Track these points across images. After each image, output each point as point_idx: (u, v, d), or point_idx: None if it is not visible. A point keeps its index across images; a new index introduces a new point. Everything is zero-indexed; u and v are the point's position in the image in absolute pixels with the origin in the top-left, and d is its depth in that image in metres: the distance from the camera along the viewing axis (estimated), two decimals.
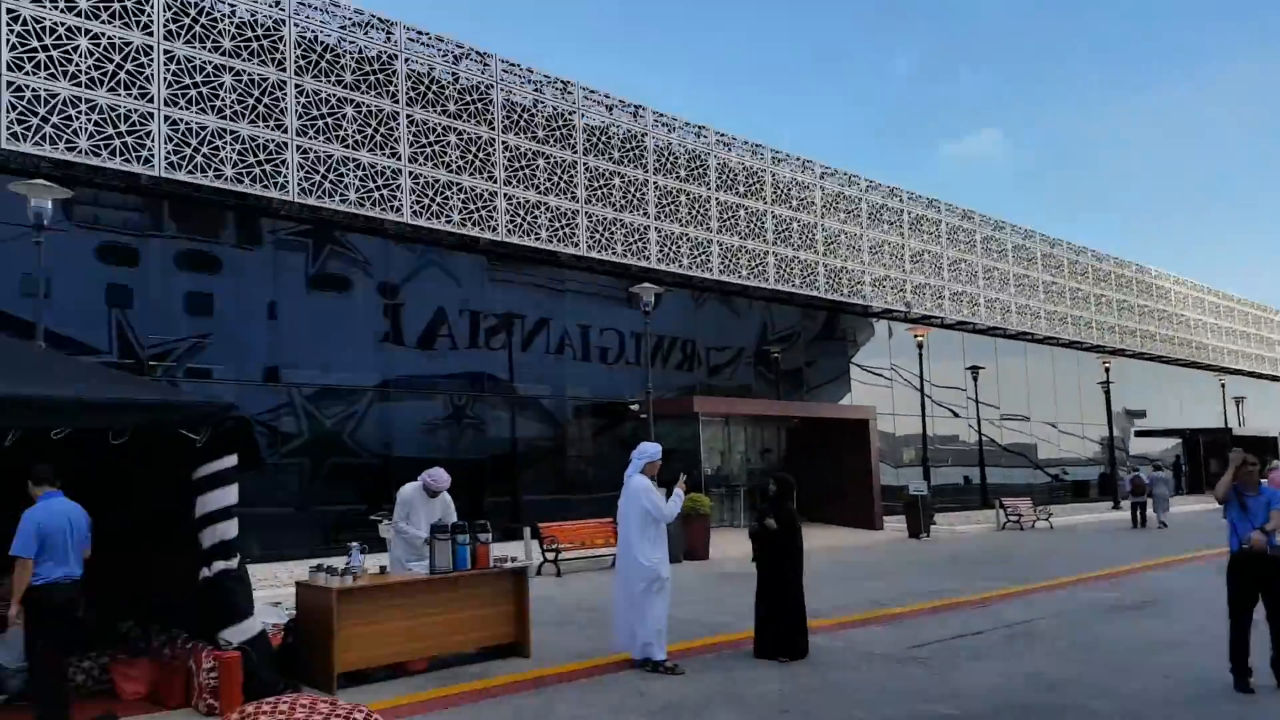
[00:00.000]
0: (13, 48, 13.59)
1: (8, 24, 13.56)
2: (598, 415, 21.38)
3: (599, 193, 20.96)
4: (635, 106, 22.14)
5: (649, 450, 8.76)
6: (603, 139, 21.24)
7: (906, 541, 21.98)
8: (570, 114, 20.67)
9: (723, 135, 24.16)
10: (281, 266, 16.84)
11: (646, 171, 22.07)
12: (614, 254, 21.11)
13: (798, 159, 26.20)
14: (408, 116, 17.87)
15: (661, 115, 22.70)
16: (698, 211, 23.13)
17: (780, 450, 26.08)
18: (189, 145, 15.11)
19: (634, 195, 21.70)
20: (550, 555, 15.33)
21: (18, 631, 6.86)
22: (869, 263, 27.85)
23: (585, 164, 20.75)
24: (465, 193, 18.55)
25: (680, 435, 20.80)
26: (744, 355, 25.20)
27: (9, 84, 13.50)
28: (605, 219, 21.03)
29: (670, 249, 22.34)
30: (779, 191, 25.38)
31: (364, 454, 17.51)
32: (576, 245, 20.37)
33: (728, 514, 23.71)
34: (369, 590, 7.84)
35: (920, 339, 26.53)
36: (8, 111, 13.45)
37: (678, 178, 22.78)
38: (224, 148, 15.47)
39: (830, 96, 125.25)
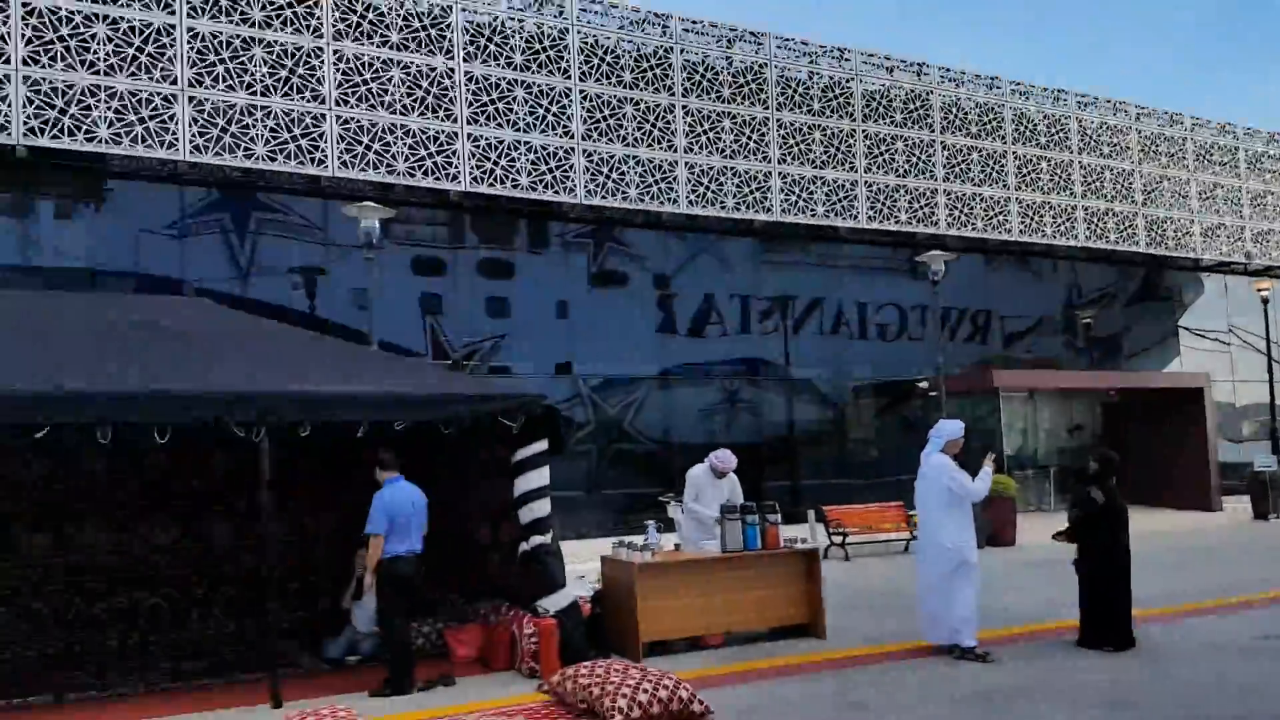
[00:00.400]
0: (339, 85, 15.44)
1: (333, 63, 15.42)
2: (879, 395, 20.73)
3: (880, 160, 20.25)
4: (918, 65, 21.11)
5: (949, 428, 8.34)
6: (883, 103, 20.48)
7: (1251, 524, 19.35)
8: (848, 82, 20.11)
9: (1018, 84, 22.41)
10: (567, 266, 17.98)
11: (933, 132, 21.00)
12: (897, 223, 20.31)
13: (1108, 101, 23.71)
14: (684, 108, 18.24)
15: (948, 70, 21.47)
16: (992, 168, 21.66)
17: (1094, 426, 23.86)
18: (489, 160, 16.41)
19: (919, 158, 20.73)
20: (837, 539, 15.11)
21: (370, 600, 7.82)
22: (1198, 210, 24.71)
23: (864, 131, 20.11)
24: (739, 176, 18.65)
25: (975, 413, 19.66)
26: (1047, 322, 23.31)
27: (338, 118, 15.36)
28: (887, 187, 20.28)
29: (961, 212, 21.12)
30: (1087, 139, 23.16)
31: (644, 440, 18.30)
32: (855, 217, 19.82)
33: (1034, 497, 22.09)
34: (666, 566, 8.15)
35: (1265, 293, 23.13)
36: (337, 142, 15.31)
37: (968, 134, 21.46)
38: (519, 159, 16.65)
39: (1131, 30, 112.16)
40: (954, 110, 21.35)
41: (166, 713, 6.79)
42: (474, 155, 16.30)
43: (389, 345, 15.35)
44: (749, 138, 18.82)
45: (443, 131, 16.11)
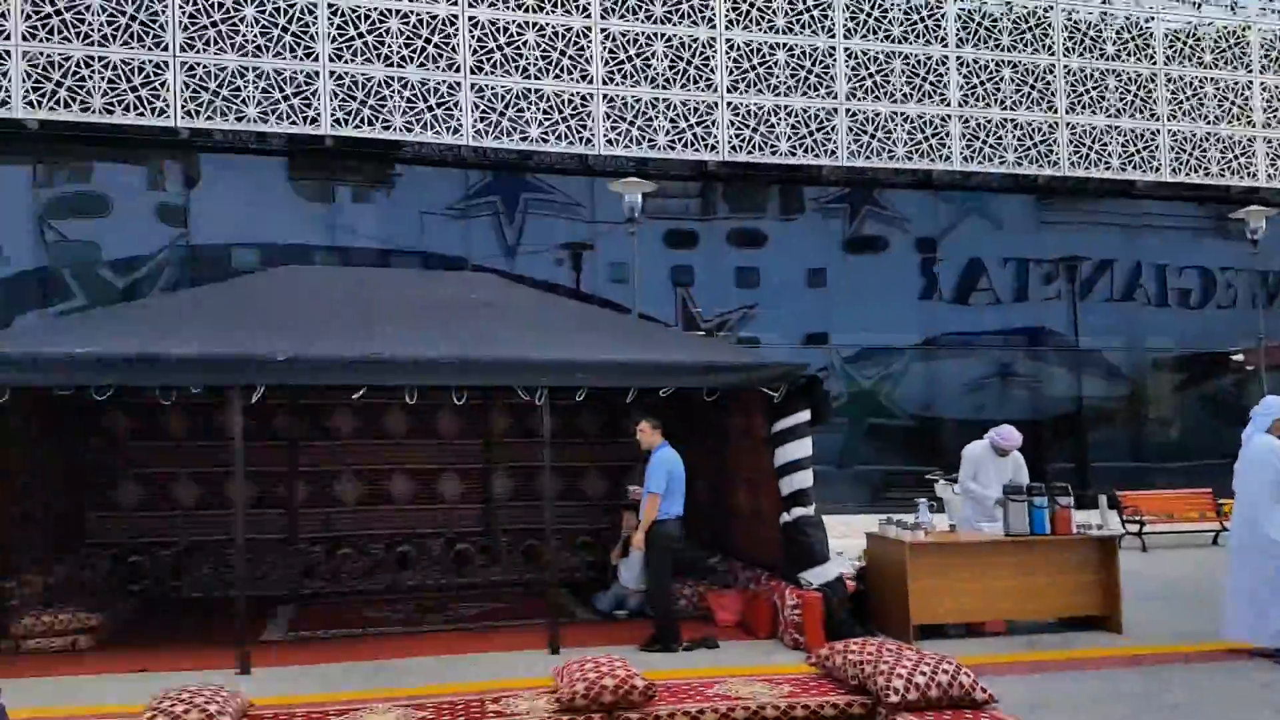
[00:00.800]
0: (605, 62, 15.86)
1: (600, 42, 15.85)
2: (1182, 369, 18.57)
3: (1184, 106, 18.03)
4: None
5: (1278, 405, 7.27)
6: (1189, 43, 18.19)
7: None
8: (1146, 21, 18.05)
9: None
10: (820, 232, 17.57)
11: (1250, 72, 18.40)
12: (1206, 175, 18.01)
13: None
14: (958, 59, 17.13)
15: (1270, 1, 18.72)
16: None
17: None
18: (748, 127, 16.26)
19: (1232, 102, 18.25)
20: (1133, 527, 13.76)
21: (637, 557, 8.04)
22: None
23: (1166, 75, 17.96)
24: (1020, 129, 17.28)
25: None
26: None
27: (604, 96, 15.80)
28: (1194, 135, 18.02)
29: None
30: None
31: (902, 414, 17.53)
32: (1156, 170, 17.78)
33: None
34: (940, 546, 7.77)
35: None
36: (602, 120, 15.75)
37: None
38: (778, 125, 16.38)
39: None
40: (1277, 47, 18.57)
41: (458, 650, 7.34)
42: (732, 124, 16.23)
43: (643, 318, 15.74)
44: (1032, 87, 17.38)
45: (702, 102, 16.15)
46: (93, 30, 13.98)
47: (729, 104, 16.24)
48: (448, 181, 16.42)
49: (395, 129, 15.06)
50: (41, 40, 13.84)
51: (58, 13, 13.87)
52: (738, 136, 16.25)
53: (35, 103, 13.86)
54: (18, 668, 6.22)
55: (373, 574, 9.81)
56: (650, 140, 15.90)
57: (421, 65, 15.16)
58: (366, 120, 14.93)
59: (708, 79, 16.18)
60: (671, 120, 16.01)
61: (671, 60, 16.07)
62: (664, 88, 16.02)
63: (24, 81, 13.77)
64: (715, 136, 16.15)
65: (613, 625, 8.22)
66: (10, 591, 7.59)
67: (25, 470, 8.19)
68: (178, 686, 5.21)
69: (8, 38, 13.75)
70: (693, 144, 16.07)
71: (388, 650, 7.38)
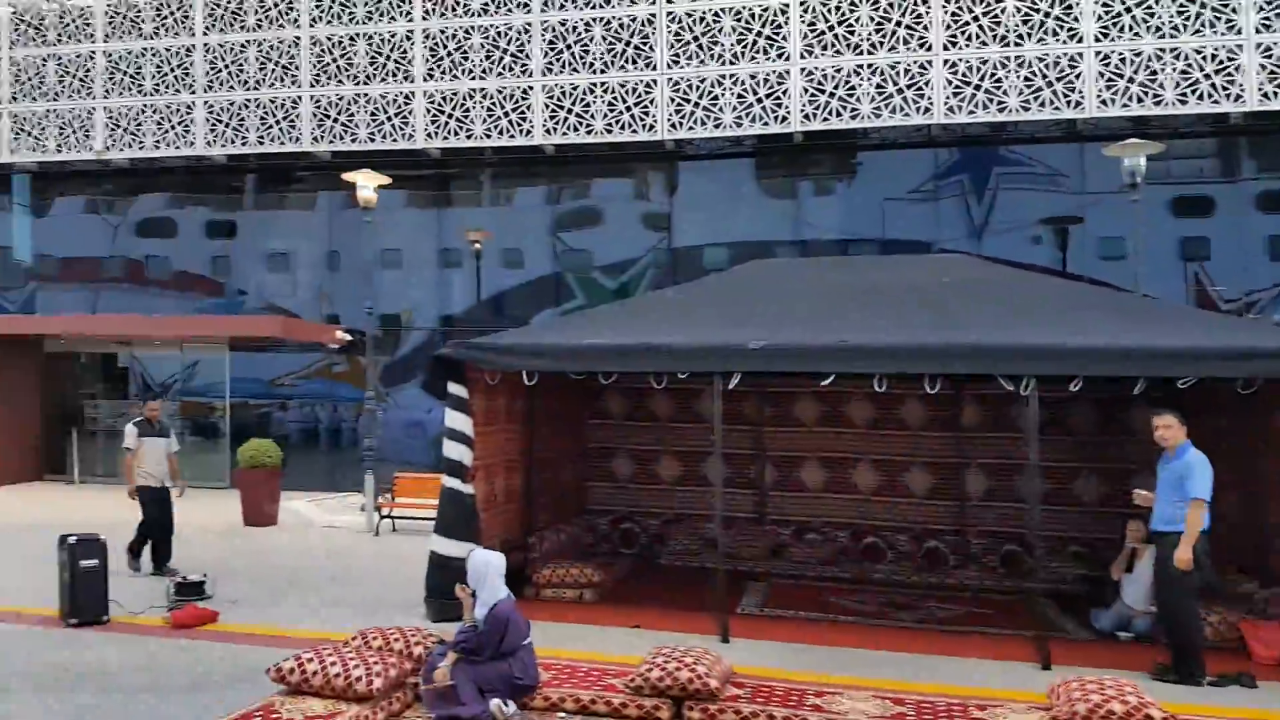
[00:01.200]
0: (1098, 18, 14.11)
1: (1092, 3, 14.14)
2: None
3: None
4: None
5: None
6: None
7: None
8: None
9: None
10: None
11: None
12: None
13: None
14: None
15: None
16: None
17: None
18: None
19: None
20: None
21: (1143, 572, 6.98)
22: None
23: None
24: None
25: None
26: None
27: (1096, 53, 14.07)
28: None
29: None
30: None
31: None
32: None
33: None
34: None
35: None
36: (1095, 79, 14.05)
37: None
38: None
39: None
40: None
41: (931, 650, 6.96)
42: (1264, 67, 13.58)
43: (1146, 297, 13.82)
44: None
45: (1222, 47, 13.69)
46: (596, 59, 15.82)
47: (1258, 45, 13.57)
48: (910, 165, 15.90)
49: (862, 117, 14.91)
50: (555, 74, 15.98)
51: (566, 46, 15.90)
52: (1271, 81, 13.52)
53: (550, 129, 16.05)
54: (537, 611, 7.10)
55: (838, 561, 9.71)
56: (1155, 95, 13.87)
57: (891, 49, 14.80)
58: (834, 112, 14.97)
59: (1229, 20, 13.69)
60: (1182, 71, 13.80)
61: (1180, 4, 13.86)
62: (1171, 36, 13.87)
63: (542, 112, 16.02)
64: (1240, 84, 13.60)
65: (1112, 647, 7.24)
66: (533, 546, 8.76)
67: (544, 444, 9.40)
68: (669, 645, 5.56)
69: (530, 74, 16.08)
70: (1209, 95, 13.71)
71: (856, 639, 7.25)
